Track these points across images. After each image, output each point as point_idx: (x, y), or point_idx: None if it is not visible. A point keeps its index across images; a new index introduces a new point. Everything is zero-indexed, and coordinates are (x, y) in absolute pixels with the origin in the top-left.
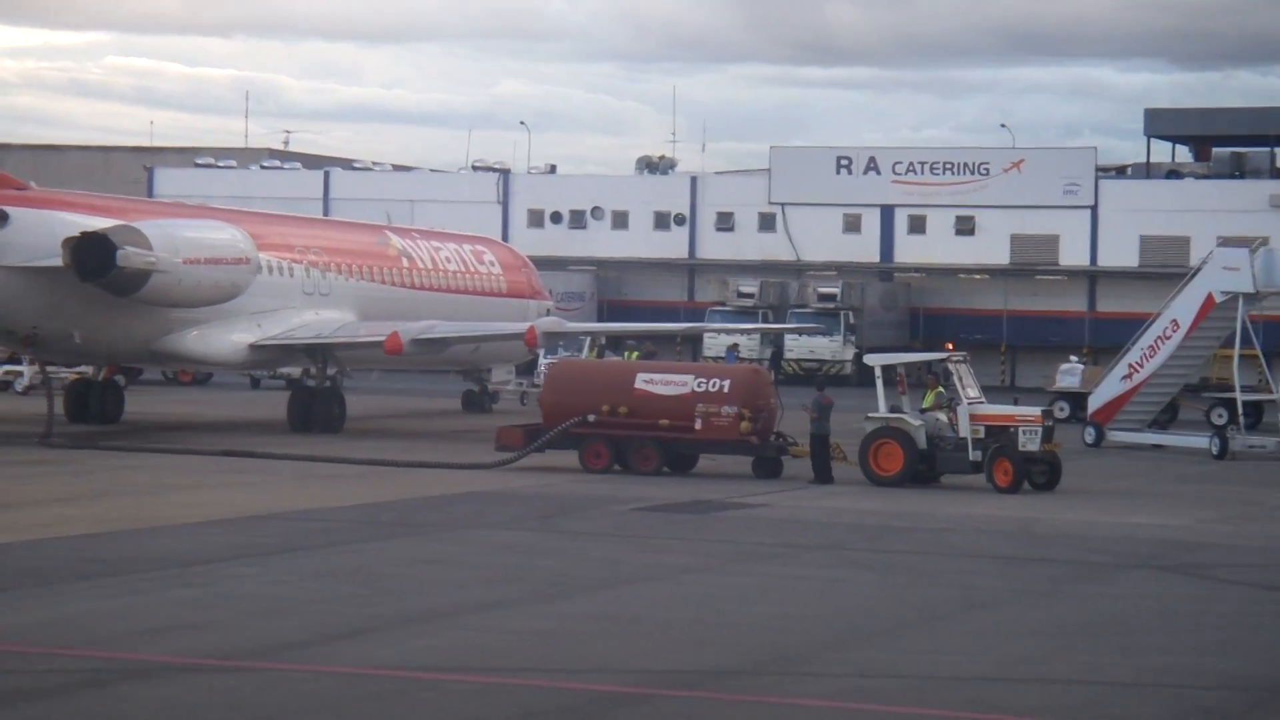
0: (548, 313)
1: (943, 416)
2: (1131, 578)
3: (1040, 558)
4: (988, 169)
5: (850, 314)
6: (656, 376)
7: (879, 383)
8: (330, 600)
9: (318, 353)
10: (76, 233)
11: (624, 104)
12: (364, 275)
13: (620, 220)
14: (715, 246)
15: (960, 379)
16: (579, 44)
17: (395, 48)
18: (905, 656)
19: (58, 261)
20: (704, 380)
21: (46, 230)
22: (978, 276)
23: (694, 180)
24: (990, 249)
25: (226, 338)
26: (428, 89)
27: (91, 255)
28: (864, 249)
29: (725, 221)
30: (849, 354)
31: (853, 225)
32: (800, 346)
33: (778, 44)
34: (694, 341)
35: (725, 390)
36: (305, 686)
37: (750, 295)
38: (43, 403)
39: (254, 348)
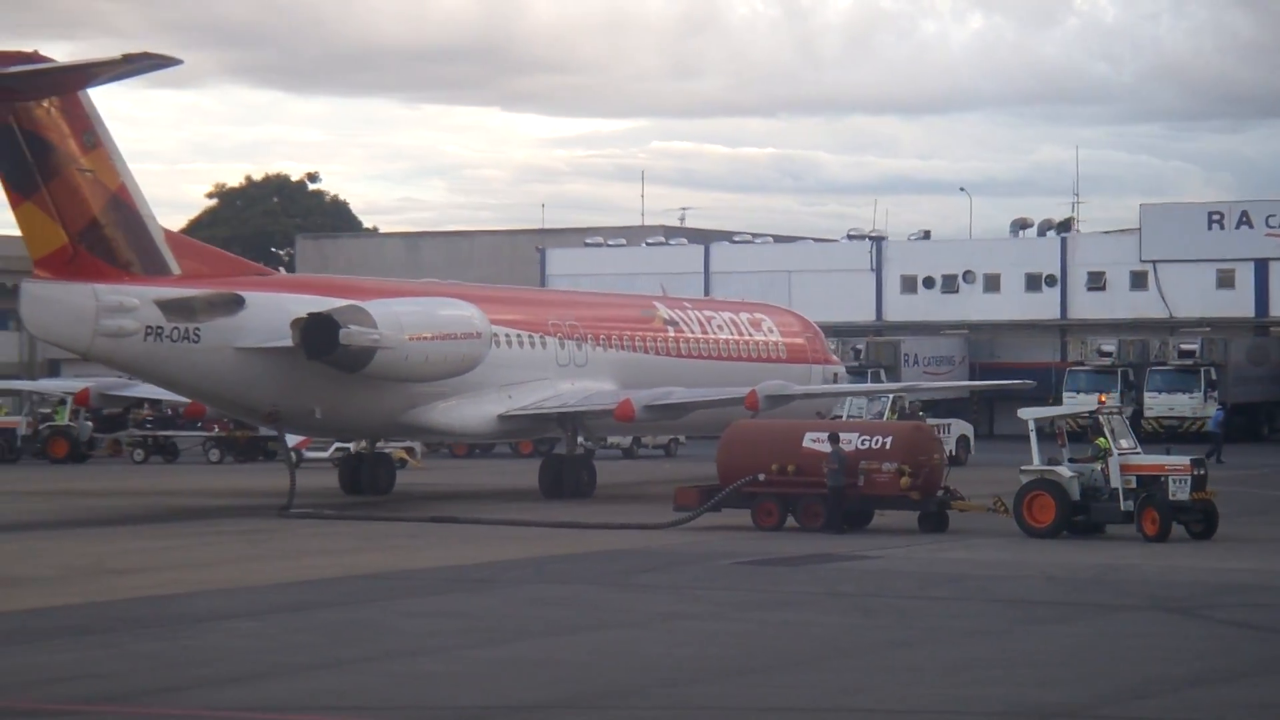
0: (834, 377)
1: (1099, 467)
2: (1116, 618)
3: (1061, 601)
4: None
5: (1212, 370)
6: (824, 435)
7: (1032, 435)
8: (274, 650)
9: (567, 421)
10: (304, 314)
11: (1168, 164)
12: (624, 345)
13: (991, 283)
14: (1086, 306)
15: (1113, 430)
16: (1123, 106)
17: (935, 118)
18: (733, 690)
19: (288, 342)
20: (868, 438)
21: (279, 312)
22: None
23: (1064, 240)
24: None
25: (475, 410)
26: (966, 158)
27: (318, 335)
28: (1238, 304)
29: (1096, 281)
30: (1211, 410)
31: (1226, 280)
32: (1160, 404)
33: None
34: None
35: (887, 447)
36: None
37: (1109, 354)
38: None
39: (503, 418)
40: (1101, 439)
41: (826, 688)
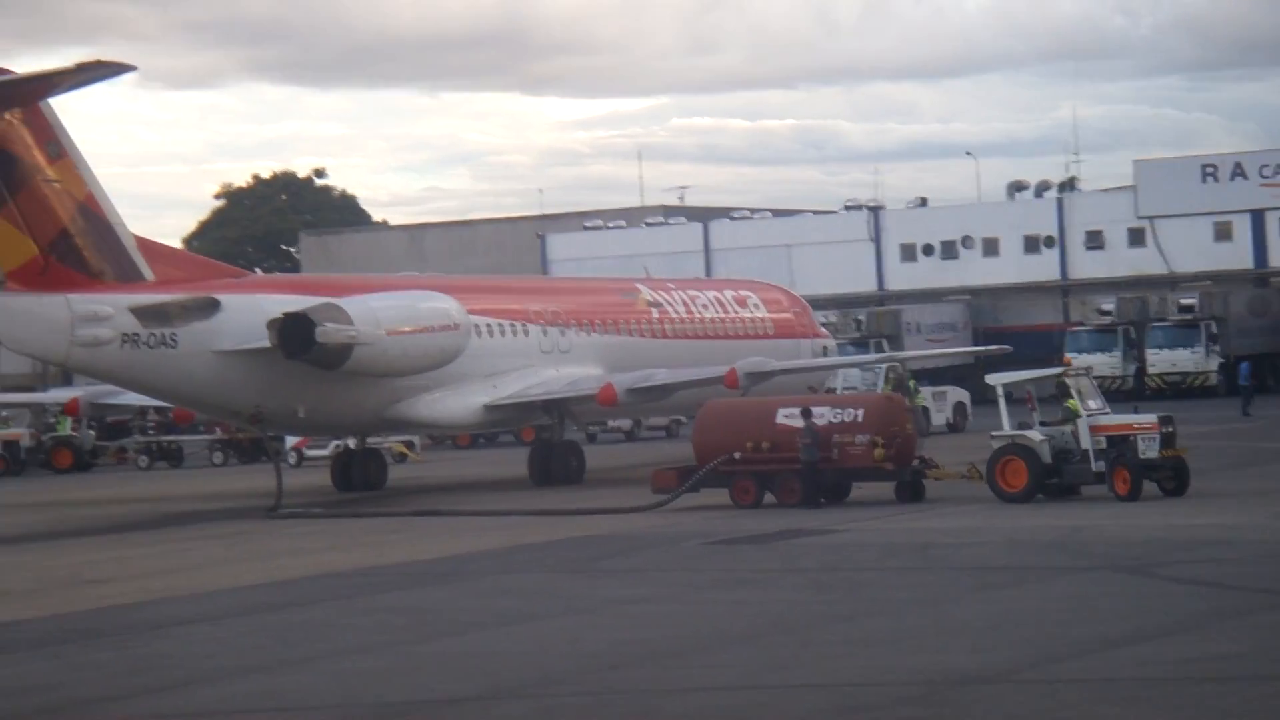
0: (824, 351)
1: (1069, 430)
2: (1067, 580)
3: (1018, 566)
4: None
5: (1213, 324)
6: (796, 410)
7: (1001, 401)
8: (219, 654)
9: (552, 408)
10: (280, 314)
11: (1190, 116)
12: (609, 329)
13: (990, 247)
14: (1086, 266)
15: (1080, 392)
16: (1142, 59)
17: (956, 81)
18: (661, 673)
19: (265, 342)
20: (840, 411)
21: (256, 314)
22: None
23: (1060, 201)
24: None
25: (460, 401)
26: (987, 119)
27: (294, 334)
28: (1236, 256)
29: (1094, 240)
30: (1213, 364)
31: (1224, 233)
32: (1162, 361)
33: None
34: None
35: (859, 420)
36: None
37: (1109, 313)
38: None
39: (489, 408)
40: (1070, 401)
41: (754, 665)
